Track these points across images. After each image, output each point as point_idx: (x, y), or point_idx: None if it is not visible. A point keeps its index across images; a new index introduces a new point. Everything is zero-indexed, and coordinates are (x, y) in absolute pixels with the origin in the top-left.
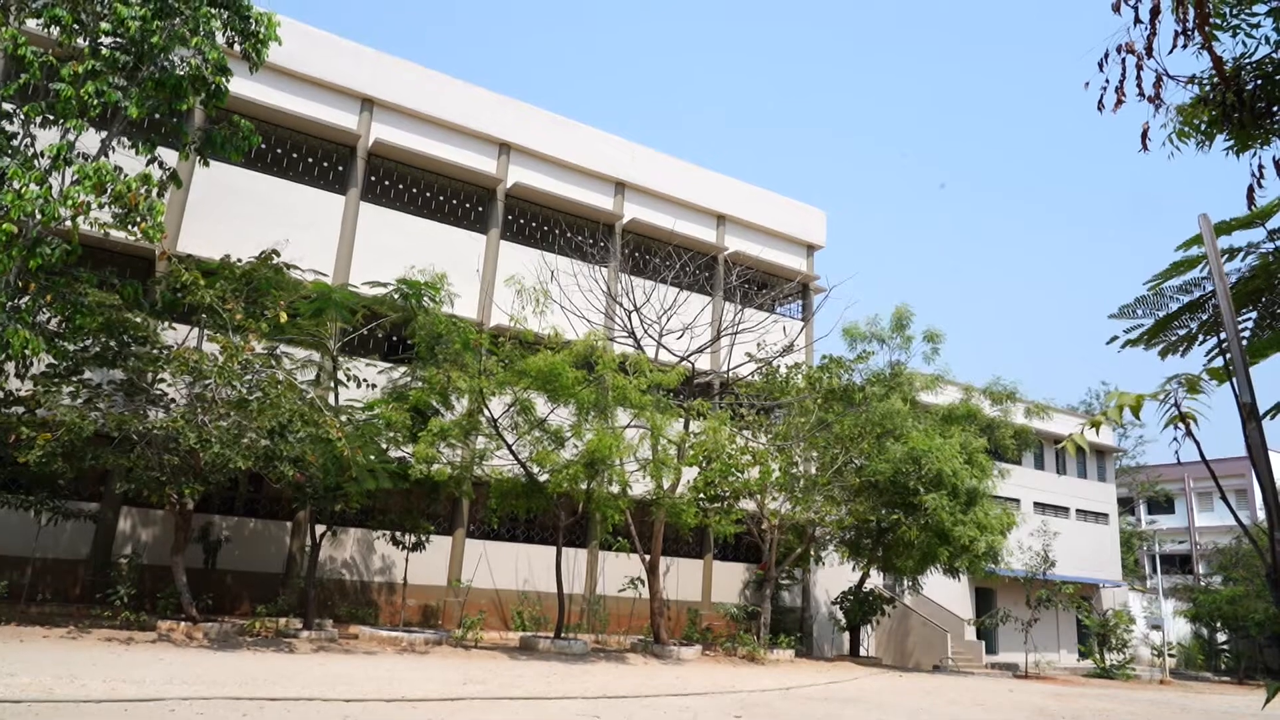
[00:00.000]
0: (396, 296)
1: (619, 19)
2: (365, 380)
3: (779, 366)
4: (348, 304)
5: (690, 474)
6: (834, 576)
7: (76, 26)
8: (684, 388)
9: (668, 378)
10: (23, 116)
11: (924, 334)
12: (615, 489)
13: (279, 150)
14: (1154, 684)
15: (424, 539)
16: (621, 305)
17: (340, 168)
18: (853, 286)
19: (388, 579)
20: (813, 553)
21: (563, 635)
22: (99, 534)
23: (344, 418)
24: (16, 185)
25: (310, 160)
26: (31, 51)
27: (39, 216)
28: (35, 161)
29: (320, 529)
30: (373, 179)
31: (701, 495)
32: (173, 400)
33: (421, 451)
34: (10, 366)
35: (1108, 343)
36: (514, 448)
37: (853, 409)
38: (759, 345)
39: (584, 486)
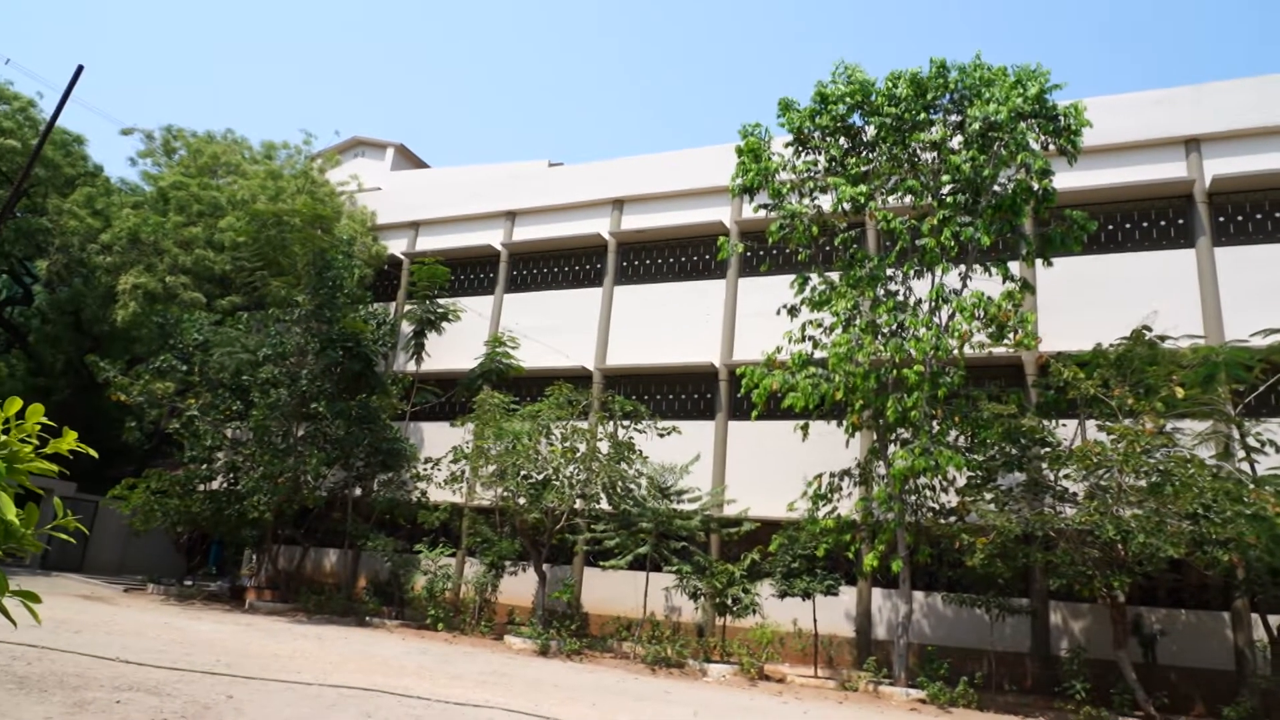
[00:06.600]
0: None
1: None
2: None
3: None
4: (1240, 361)
5: None
6: None
7: (922, 188)
8: None
9: None
10: (901, 275)
11: None
12: None
13: (1109, 226)
14: None
15: None
16: None
17: (1179, 221)
18: None
19: None
20: None
21: None
22: (1035, 627)
23: (1268, 488)
24: (914, 332)
25: (1145, 224)
26: (899, 221)
27: (933, 353)
28: (917, 309)
29: (1274, 620)
30: (1221, 219)
31: None
32: (1074, 494)
33: None
34: (936, 482)
35: None
36: None
37: None
38: None
39: None
